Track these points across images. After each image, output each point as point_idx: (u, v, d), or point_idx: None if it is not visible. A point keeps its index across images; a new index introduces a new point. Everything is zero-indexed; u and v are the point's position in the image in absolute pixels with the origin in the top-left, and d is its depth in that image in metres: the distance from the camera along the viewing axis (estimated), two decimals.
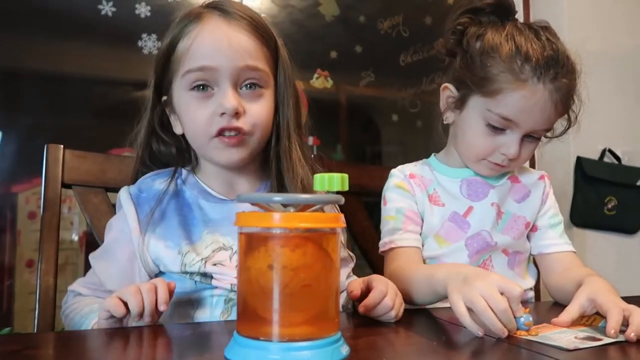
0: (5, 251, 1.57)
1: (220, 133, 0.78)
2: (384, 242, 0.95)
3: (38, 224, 0.97)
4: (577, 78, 0.88)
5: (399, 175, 0.99)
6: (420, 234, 0.96)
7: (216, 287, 0.78)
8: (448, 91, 0.94)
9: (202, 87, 0.78)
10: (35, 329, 0.90)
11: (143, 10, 1.70)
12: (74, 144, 1.02)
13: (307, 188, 0.82)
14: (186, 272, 0.78)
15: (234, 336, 0.53)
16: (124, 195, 0.83)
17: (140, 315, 0.65)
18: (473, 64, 0.87)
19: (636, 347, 0.62)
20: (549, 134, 0.93)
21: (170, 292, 0.68)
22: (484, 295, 0.64)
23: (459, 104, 0.92)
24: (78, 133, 1.66)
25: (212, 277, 0.78)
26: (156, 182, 0.84)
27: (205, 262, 0.77)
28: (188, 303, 0.79)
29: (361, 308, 0.70)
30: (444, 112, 0.97)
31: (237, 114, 0.77)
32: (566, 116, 0.91)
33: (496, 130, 0.88)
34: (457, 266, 0.81)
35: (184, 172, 0.87)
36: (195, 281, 0.78)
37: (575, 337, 0.64)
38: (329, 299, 0.53)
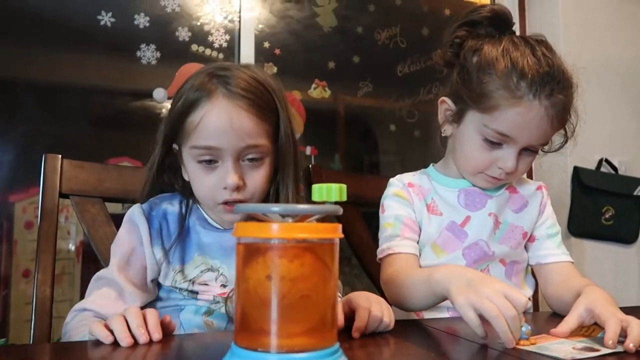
0: (1, 261, 1.57)
1: (223, 203, 0.86)
2: (382, 249, 0.95)
3: (35, 234, 0.97)
4: (574, 93, 0.88)
5: (397, 184, 1.00)
6: (418, 242, 0.96)
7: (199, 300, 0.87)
8: (446, 105, 0.95)
9: (208, 161, 0.85)
10: (31, 340, 0.89)
11: (142, 20, 1.71)
12: (72, 154, 1.02)
13: None
14: (175, 287, 0.87)
15: (231, 347, 0.53)
16: (137, 212, 0.89)
17: (132, 341, 0.65)
18: (470, 80, 0.88)
19: (635, 358, 0.62)
20: (546, 148, 0.93)
21: (165, 325, 0.70)
22: (493, 302, 0.63)
23: (457, 117, 0.93)
24: (76, 142, 1.66)
25: (197, 293, 0.87)
26: (164, 203, 0.91)
27: (193, 282, 0.86)
28: (175, 309, 0.87)
29: (355, 333, 0.70)
30: (442, 125, 0.97)
31: (238, 188, 0.84)
32: (563, 130, 0.92)
33: (493, 144, 0.88)
34: (457, 268, 0.80)
35: (185, 200, 0.93)
36: (183, 295, 0.87)
37: (574, 348, 0.63)
38: (327, 309, 0.53)
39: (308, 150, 1.87)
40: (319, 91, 1.93)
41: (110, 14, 1.67)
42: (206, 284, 0.86)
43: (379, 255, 0.96)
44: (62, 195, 0.98)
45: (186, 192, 0.92)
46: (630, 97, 2.07)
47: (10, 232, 1.58)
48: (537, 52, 0.85)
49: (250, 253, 0.52)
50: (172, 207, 0.91)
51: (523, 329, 0.65)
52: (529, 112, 0.83)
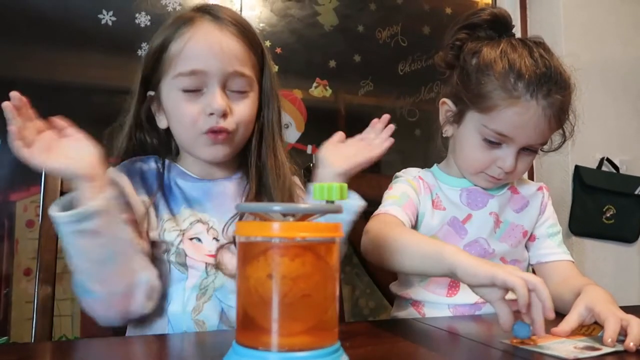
0: (3, 259, 1.57)
1: (207, 132, 0.82)
2: (377, 211, 0.93)
3: (36, 232, 0.97)
4: (572, 93, 0.89)
5: (408, 175, 1.01)
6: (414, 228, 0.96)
7: (188, 278, 0.81)
8: (446, 106, 0.97)
9: (193, 90, 0.82)
10: (33, 339, 0.89)
11: (143, 19, 1.71)
12: None
13: (290, 188, 0.90)
14: (163, 241, 0.82)
15: (232, 346, 0.53)
16: (114, 172, 0.84)
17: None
18: (469, 81, 0.89)
19: (635, 358, 0.62)
20: (545, 148, 0.93)
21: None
22: (529, 280, 0.63)
23: (457, 118, 0.94)
24: None
25: (186, 256, 0.82)
26: (137, 163, 0.88)
27: (183, 234, 0.82)
28: (162, 297, 0.81)
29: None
30: (443, 125, 0.99)
31: (224, 115, 0.81)
32: (561, 130, 0.92)
33: (492, 144, 0.89)
34: (467, 252, 0.73)
35: (165, 161, 0.91)
36: (170, 262, 0.82)
37: (575, 347, 0.63)
38: (329, 308, 0.53)
39: (309, 149, 1.87)
40: (320, 90, 1.93)
41: (111, 13, 1.67)
42: (197, 238, 0.83)
43: (374, 214, 0.93)
44: (63, 193, 0.98)
45: (162, 150, 0.90)
46: (632, 97, 2.07)
47: (11, 231, 1.58)
48: (535, 53, 0.86)
49: (251, 252, 0.52)
50: (147, 166, 0.88)
51: (530, 328, 0.65)
52: (527, 112, 0.84)
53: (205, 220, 0.85)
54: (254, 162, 0.89)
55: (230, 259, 0.83)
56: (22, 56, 1.63)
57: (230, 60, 0.80)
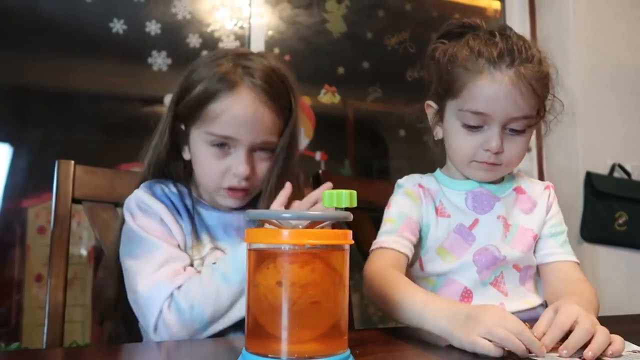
0: (15, 266, 1.58)
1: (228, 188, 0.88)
2: (375, 242, 0.94)
3: (47, 239, 0.98)
4: (546, 68, 0.89)
5: (407, 184, 1.00)
6: (420, 246, 0.95)
7: None
8: (431, 108, 0.99)
9: (221, 144, 0.87)
10: (44, 345, 0.90)
11: (153, 27, 1.73)
12: (84, 159, 1.03)
13: None
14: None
15: (242, 353, 0.53)
16: (145, 197, 0.88)
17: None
18: (441, 74, 0.93)
19: None
20: (534, 124, 0.92)
21: None
22: (499, 324, 0.64)
23: (440, 115, 0.96)
24: (88, 148, 1.68)
25: None
26: (159, 186, 0.91)
27: (203, 261, 0.87)
28: None
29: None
30: (432, 128, 1.00)
31: (246, 177, 0.87)
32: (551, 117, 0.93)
33: (473, 128, 0.90)
34: (445, 304, 0.76)
35: (179, 185, 0.94)
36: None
37: (560, 356, 0.62)
38: (338, 316, 0.53)
39: (318, 155, 1.87)
40: (328, 97, 1.93)
41: (122, 22, 1.69)
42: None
43: (371, 247, 0.94)
44: (75, 200, 0.99)
45: (184, 176, 0.93)
46: None
47: (23, 237, 1.60)
48: (496, 35, 0.90)
49: (261, 259, 0.52)
50: (168, 189, 0.92)
51: None
52: (493, 84, 0.86)
53: (221, 248, 0.89)
54: (268, 195, 0.91)
55: None
56: (33, 64, 1.65)
57: (259, 132, 0.86)
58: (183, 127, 0.91)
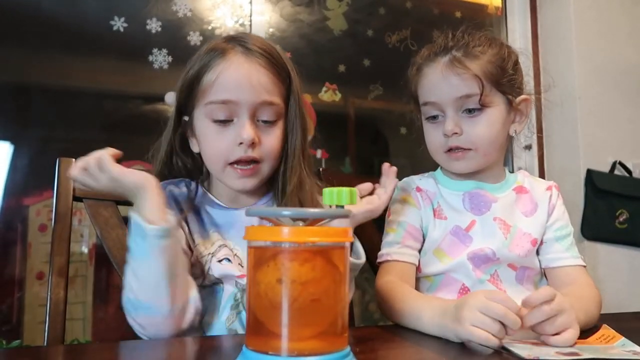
0: (16, 263, 1.58)
1: (236, 162, 0.86)
2: (381, 254, 0.96)
3: (48, 237, 0.98)
4: (492, 53, 0.93)
5: (406, 188, 1.00)
6: (420, 250, 0.96)
7: (223, 290, 0.86)
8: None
9: (223, 121, 0.86)
10: (45, 342, 0.90)
11: (154, 25, 1.73)
12: None
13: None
14: (198, 262, 0.86)
15: (242, 350, 0.53)
16: None
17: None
18: (410, 81, 1.02)
19: None
20: (488, 103, 0.92)
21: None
22: (480, 310, 0.66)
23: (418, 118, 1.01)
24: (88, 146, 1.67)
25: (221, 282, 0.86)
26: (169, 187, 0.92)
27: (212, 256, 0.86)
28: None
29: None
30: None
31: (252, 144, 0.85)
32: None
33: (433, 120, 0.95)
34: (436, 302, 0.79)
35: (193, 183, 0.95)
36: (210, 282, 0.86)
37: (556, 352, 0.62)
38: (338, 313, 0.53)
39: (319, 153, 1.87)
40: (329, 94, 1.93)
41: (122, 19, 1.68)
42: (227, 259, 0.86)
43: (378, 260, 0.97)
44: (76, 198, 0.99)
45: (195, 173, 0.94)
46: None
47: (24, 235, 1.60)
48: (447, 37, 0.97)
49: (261, 257, 0.53)
50: (178, 189, 0.92)
51: None
52: (433, 72, 0.93)
53: (231, 247, 0.89)
54: (281, 188, 0.92)
55: None
56: (34, 62, 1.65)
57: (258, 91, 0.84)
58: (187, 118, 0.91)
